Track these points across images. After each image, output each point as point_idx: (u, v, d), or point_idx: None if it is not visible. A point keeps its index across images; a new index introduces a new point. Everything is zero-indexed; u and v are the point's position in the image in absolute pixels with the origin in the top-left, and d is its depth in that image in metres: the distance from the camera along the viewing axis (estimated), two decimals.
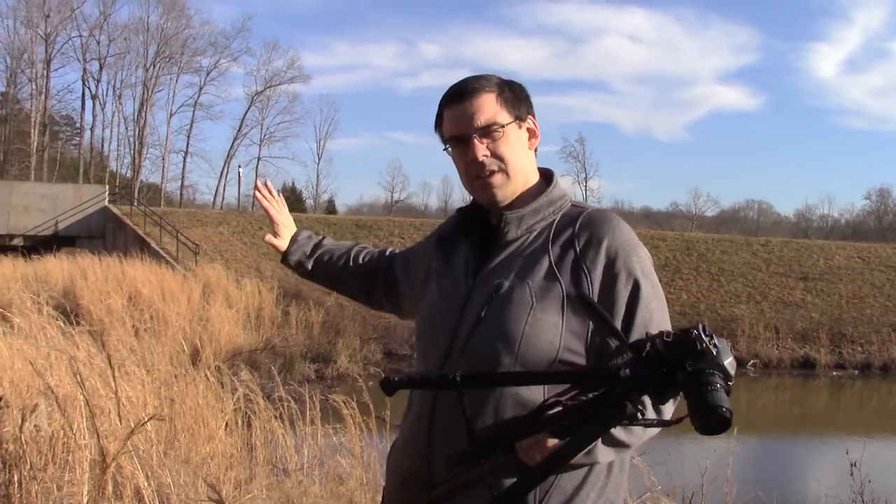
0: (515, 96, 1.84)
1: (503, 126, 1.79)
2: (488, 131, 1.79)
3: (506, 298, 1.70)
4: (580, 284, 1.69)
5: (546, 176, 1.90)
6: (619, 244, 1.73)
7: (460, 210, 1.96)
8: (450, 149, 1.85)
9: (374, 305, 2.30)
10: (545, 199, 1.82)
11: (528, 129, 1.86)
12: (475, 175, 1.81)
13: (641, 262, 1.75)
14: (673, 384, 1.27)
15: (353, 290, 2.32)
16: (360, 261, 2.26)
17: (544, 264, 1.73)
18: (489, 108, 1.79)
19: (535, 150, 1.90)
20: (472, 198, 1.92)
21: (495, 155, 1.79)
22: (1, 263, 20.50)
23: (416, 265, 2.07)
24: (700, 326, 1.26)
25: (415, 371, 1.68)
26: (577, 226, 1.77)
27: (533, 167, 1.88)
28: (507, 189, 1.81)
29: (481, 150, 1.78)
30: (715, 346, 1.25)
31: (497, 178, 1.80)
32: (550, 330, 1.67)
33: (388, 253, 2.27)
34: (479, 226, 1.87)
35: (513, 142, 1.81)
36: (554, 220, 1.80)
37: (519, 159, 1.82)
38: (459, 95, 1.81)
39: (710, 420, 1.20)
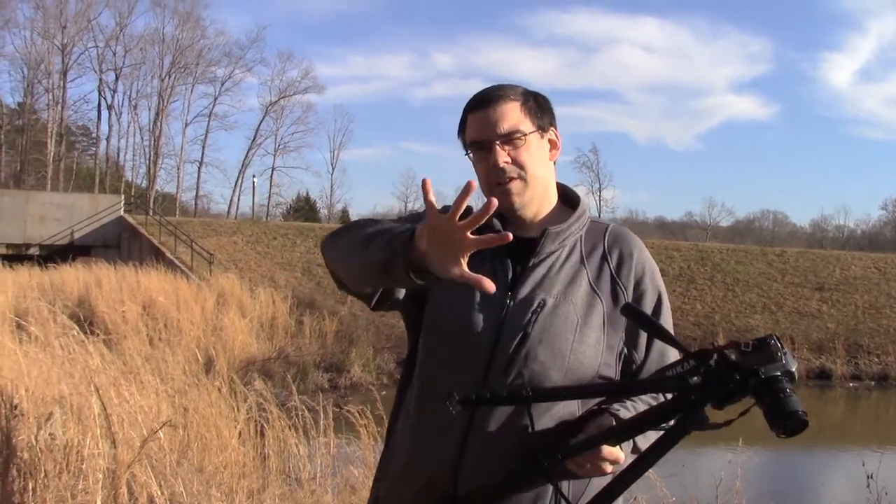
0: (539, 106, 1.85)
1: (526, 134, 1.80)
2: (510, 138, 1.79)
3: (552, 315, 1.72)
4: (617, 297, 1.77)
5: (567, 191, 1.93)
6: (644, 261, 1.84)
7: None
8: (471, 154, 1.85)
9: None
10: (576, 215, 1.85)
11: (550, 140, 1.87)
12: (495, 181, 1.80)
13: (660, 278, 1.87)
14: (743, 390, 1.35)
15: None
16: None
17: (583, 281, 1.77)
18: (513, 115, 1.80)
19: (555, 162, 1.91)
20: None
21: (516, 162, 1.79)
22: (17, 272, 20.63)
23: None
24: (774, 336, 1.35)
25: (483, 389, 1.66)
26: (606, 242, 1.84)
27: (553, 178, 1.89)
28: (525, 196, 1.81)
29: (503, 156, 1.78)
30: (785, 353, 1.34)
31: (516, 185, 1.80)
32: (594, 346, 1.73)
33: None
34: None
35: (534, 150, 1.81)
36: (581, 234, 1.84)
37: (539, 168, 1.82)
38: (483, 102, 1.82)
39: (790, 423, 1.30)
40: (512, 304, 1.74)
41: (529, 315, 1.71)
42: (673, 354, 1.78)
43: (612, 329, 1.75)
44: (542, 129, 1.84)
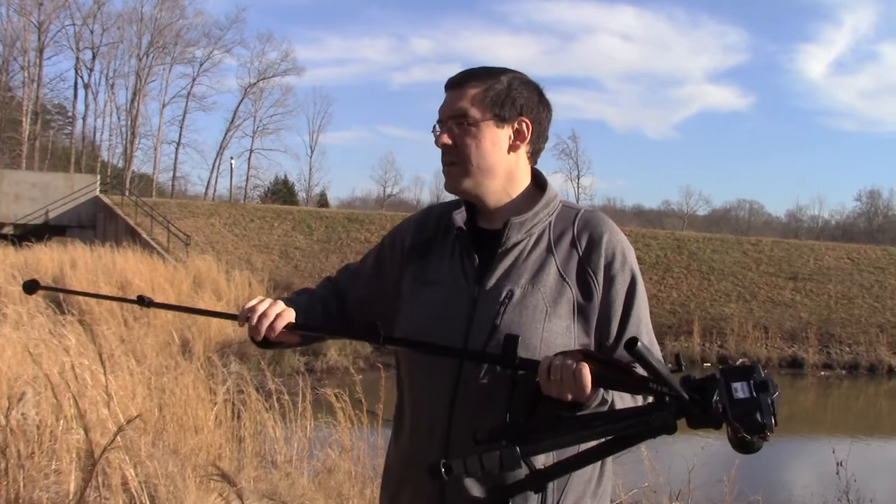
0: (508, 96, 1.80)
1: (474, 121, 1.78)
2: (457, 121, 1.79)
3: (520, 305, 1.71)
4: (588, 287, 1.74)
5: (537, 178, 1.89)
6: (615, 244, 1.78)
7: (429, 211, 1.96)
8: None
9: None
10: (543, 202, 1.82)
11: (516, 131, 1.82)
12: (443, 162, 1.83)
13: (634, 261, 1.81)
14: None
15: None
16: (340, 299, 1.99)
17: (551, 269, 1.75)
18: (466, 100, 1.79)
19: (532, 154, 1.87)
20: (439, 193, 1.95)
21: (458, 145, 1.79)
22: None
23: (383, 275, 1.95)
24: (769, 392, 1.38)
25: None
26: (576, 228, 1.80)
27: (517, 168, 1.84)
28: (467, 183, 1.80)
29: (442, 138, 1.80)
30: (773, 413, 1.37)
31: (454, 169, 1.80)
32: (564, 334, 1.71)
33: (344, 277, 2.03)
34: (466, 230, 1.83)
35: (482, 138, 1.78)
36: (550, 221, 1.81)
37: (486, 157, 1.79)
38: (452, 82, 1.84)
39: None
40: (480, 296, 1.74)
41: (497, 306, 1.71)
42: (648, 343, 1.78)
43: (582, 317, 1.73)
44: (499, 117, 1.79)
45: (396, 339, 1.68)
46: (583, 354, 1.57)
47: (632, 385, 1.53)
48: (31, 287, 2.01)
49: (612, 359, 1.59)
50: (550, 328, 1.69)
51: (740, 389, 1.36)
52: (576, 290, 1.73)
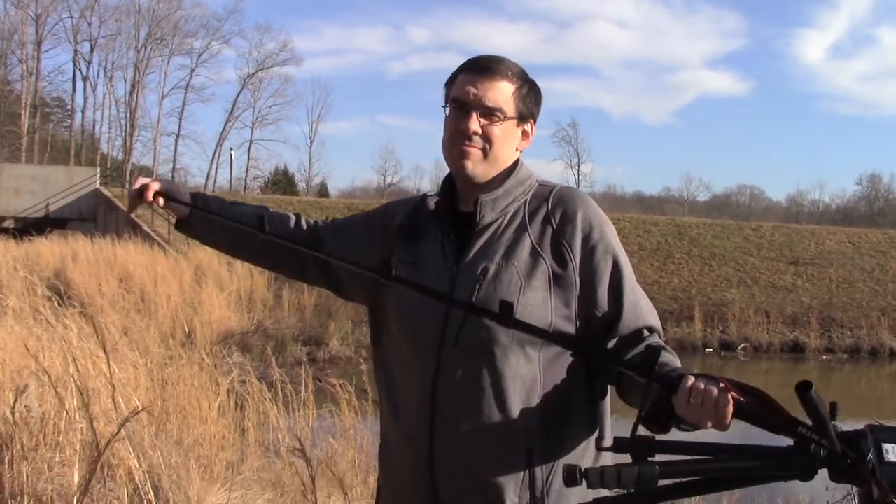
0: (530, 98, 1.87)
1: (505, 116, 1.82)
2: (490, 113, 1.81)
3: (494, 281, 1.73)
4: (562, 258, 1.75)
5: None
6: (591, 217, 1.81)
7: (425, 197, 1.97)
8: (448, 109, 1.87)
9: (307, 277, 2.08)
10: (514, 181, 1.85)
11: (524, 131, 1.89)
12: (459, 143, 1.82)
13: (614, 234, 1.83)
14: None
15: (278, 256, 2.05)
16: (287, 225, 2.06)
17: (526, 244, 1.77)
18: (502, 94, 1.82)
19: (521, 152, 1.91)
20: (439, 182, 1.95)
21: (486, 134, 1.81)
22: None
23: (359, 247, 1.95)
24: None
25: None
26: (550, 203, 1.83)
27: (511, 163, 1.89)
28: (480, 168, 1.83)
29: (476, 124, 1.81)
30: None
31: (476, 153, 1.82)
32: (541, 306, 1.71)
33: (309, 224, 2.09)
34: (446, 213, 1.87)
35: (505, 132, 1.83)
36: (525, 200, 1.84)
37: (503, 150, 1.84)
38: (482, 69, 1.84)
39: None
40: (458, 275, 1.77)
41: (473, 284, 1.74)
42: (648, 308, 1.80)
43: (559, 288, 1.73)
44: (521, 118, 1.86)
45: (401, 279, 1.62)
46: (730, 383, 1.45)
47: (776, 424, 1.39)
48: None
49: (760, 392, 1.45)
50: (526, 301, 1.70)
51: (892, 452, 1.29)
52: (550, 262, 1.75)
